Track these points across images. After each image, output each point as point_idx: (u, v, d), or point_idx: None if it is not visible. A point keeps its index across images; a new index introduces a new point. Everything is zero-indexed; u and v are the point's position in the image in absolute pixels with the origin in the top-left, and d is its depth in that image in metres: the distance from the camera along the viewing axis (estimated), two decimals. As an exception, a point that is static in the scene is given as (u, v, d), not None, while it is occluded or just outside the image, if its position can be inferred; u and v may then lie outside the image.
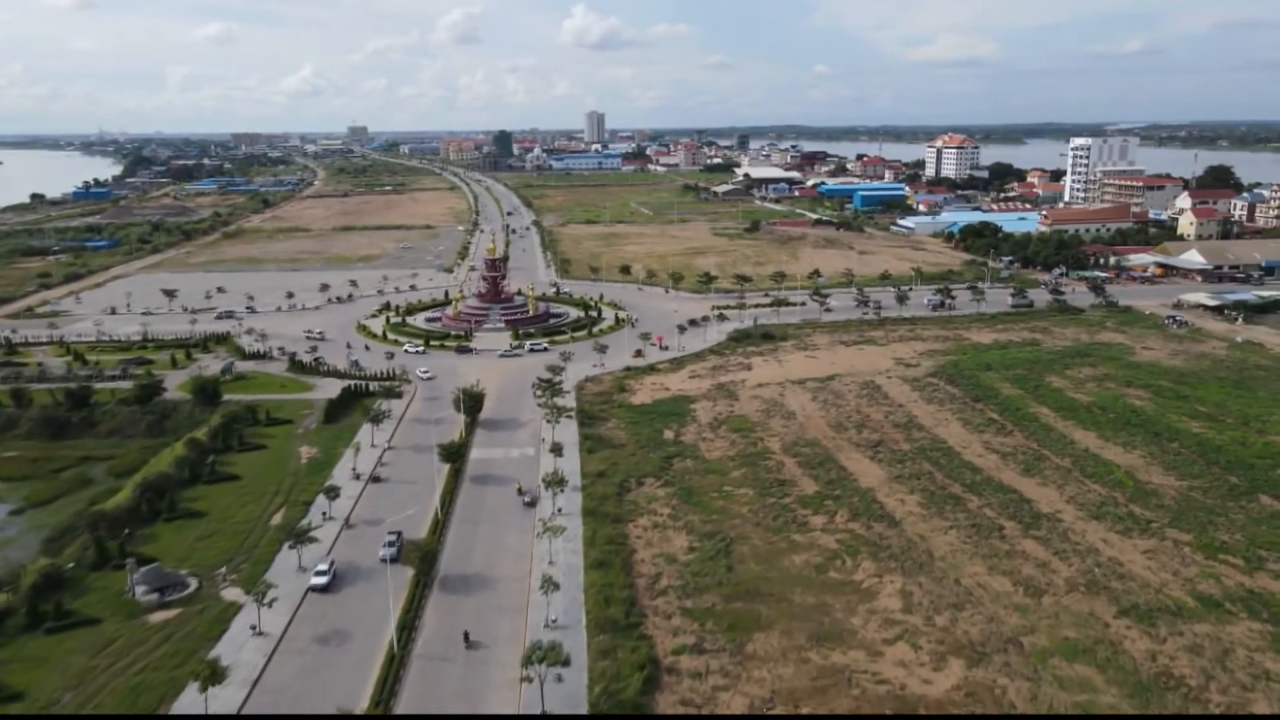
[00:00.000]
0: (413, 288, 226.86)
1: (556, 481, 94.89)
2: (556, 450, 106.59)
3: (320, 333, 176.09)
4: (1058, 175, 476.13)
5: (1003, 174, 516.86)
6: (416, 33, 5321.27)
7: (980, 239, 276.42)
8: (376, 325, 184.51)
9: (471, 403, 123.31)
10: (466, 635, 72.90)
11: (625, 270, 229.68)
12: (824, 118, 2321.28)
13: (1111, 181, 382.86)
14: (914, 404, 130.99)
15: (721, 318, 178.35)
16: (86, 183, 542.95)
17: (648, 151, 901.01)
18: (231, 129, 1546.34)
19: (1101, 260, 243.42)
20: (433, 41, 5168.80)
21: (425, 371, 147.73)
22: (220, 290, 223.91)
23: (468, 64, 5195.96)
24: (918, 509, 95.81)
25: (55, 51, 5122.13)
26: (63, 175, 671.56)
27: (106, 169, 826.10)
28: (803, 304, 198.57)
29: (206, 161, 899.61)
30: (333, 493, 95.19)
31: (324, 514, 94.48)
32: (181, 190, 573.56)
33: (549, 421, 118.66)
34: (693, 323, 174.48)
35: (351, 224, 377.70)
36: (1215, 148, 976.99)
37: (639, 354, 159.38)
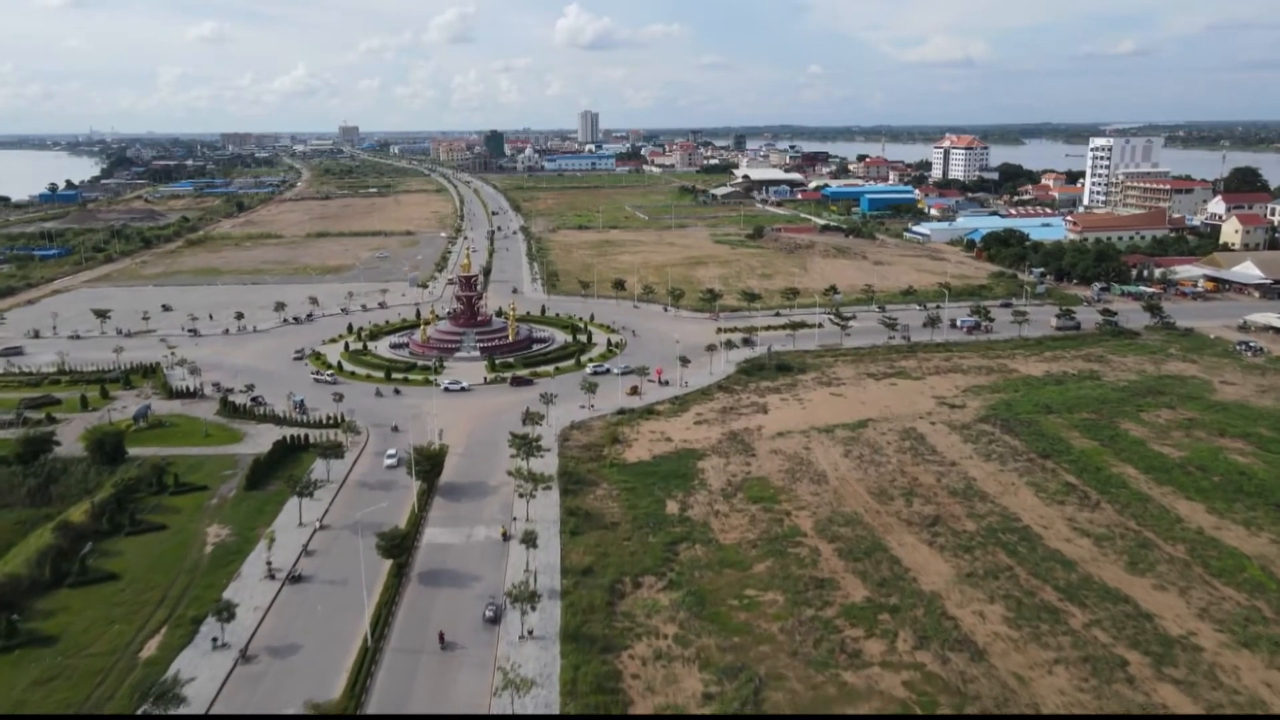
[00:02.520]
0: (382, 305, 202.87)
1: (526, 596, 71.22)
2: (529, 540, 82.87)
3: (331, 375, 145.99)
4: (1073, 177, 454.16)
5: (1013, 175, 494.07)
6: (410, 32, 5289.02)
7: (1007, 248, 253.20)
8: (334, 353, 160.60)
9: (428, 466, 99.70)
10: None
11: (619, 285, 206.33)
12: (818, 118, 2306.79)
13: (1135, 184, 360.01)
14: (968, 461, 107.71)
15: (729, 345, 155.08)
16: (53, 185, 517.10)
17: (643, 152, 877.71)
18: (225, 129, 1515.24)
19: (1145, 273, 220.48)
20: (426, 41, 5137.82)
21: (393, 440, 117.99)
22: (165, 308, 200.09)
23: (461, 64, 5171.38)
24: (1005, 629, 72.46)
25: (47, 51, 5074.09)
26: (42, 176, 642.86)
27: (90, 169, 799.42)
28: (820, 326, 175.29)
29: (190, 162, 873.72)
30: (227, 613, 71.27)
31: (215, 640, 70.78)
32: (155, 192, 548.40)
33: (522, 496, 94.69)
34: (709, 348, 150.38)
35: (327, 230, 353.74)
36: (1216, 148, 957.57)
37: (635, 391, 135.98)
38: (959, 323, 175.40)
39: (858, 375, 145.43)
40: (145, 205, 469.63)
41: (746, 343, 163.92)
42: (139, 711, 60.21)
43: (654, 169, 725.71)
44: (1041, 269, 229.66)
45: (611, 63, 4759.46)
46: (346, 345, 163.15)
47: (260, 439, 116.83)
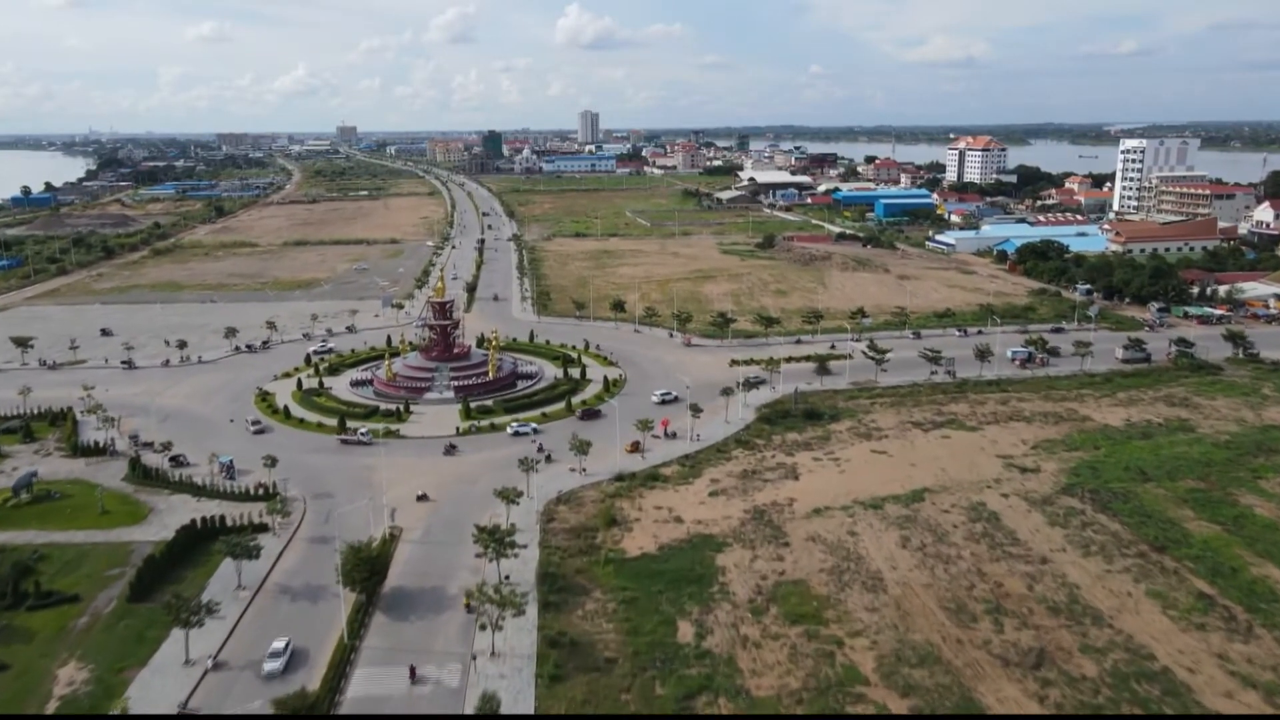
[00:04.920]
0: (350, 329, 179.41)
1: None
2: (489, 706, 59.46)
3: (367, 433, 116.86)
4: (1098, 180, 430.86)
5: (1032, 178, 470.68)
6: (410, 32, 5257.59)
7: (1045, 261, 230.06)
8: (285, 391, 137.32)
9: (366, 572, 76.31)
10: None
11: (618, 306, 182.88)
12: (819, 118, 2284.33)
13: (1171, 189, 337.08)
14: (1062, 556, 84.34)
15: (748, 384, 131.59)
16: (26, 188, 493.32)
17: (644, 153, 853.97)
18: (226, 129, 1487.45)
19: (1208, 290, 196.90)
20: (426, 41, 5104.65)
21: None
22: (104, 333, 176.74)
23: (461, 64, 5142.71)
24: None
25: (47, 50, 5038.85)
26: (28, 178, 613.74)
27: (82, 170, 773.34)
28: (848, 357, 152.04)
29: (181, 163, 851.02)
30: None
31: None
32: (136, 195, 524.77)
33: (483, 626, 71.02)
34: (724, 391, 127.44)
35: (307, 237, 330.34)
36: (1227, 149, 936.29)
37: (636, 447, 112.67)
38: (1010, 354, 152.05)
39: (901, 424, 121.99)
40: (121, 209, 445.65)
41: (822, 371, 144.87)
42: None
43: (655, 171, 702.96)
44: (1088, 286, 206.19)
45: (612, 63, 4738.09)
46: (299, 382, 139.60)
47: (169, 517, 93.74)
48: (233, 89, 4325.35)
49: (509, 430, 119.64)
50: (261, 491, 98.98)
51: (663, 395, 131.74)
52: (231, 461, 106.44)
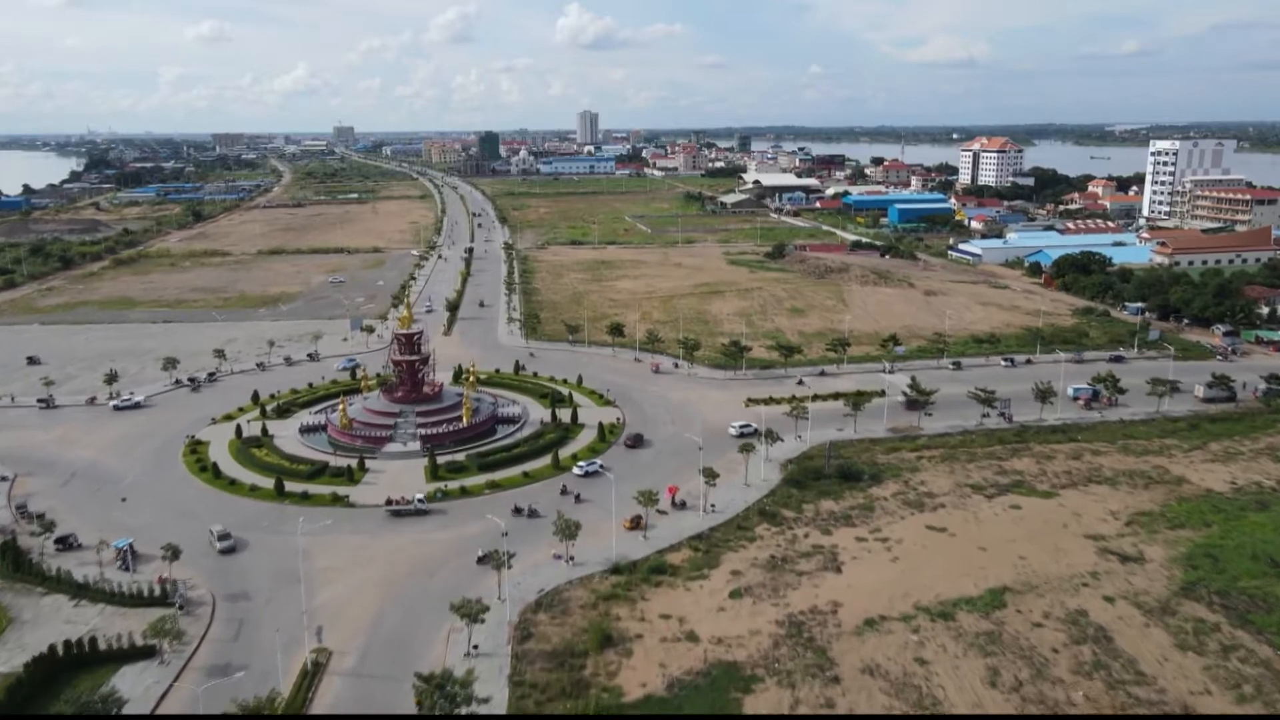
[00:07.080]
0: (310, 357, 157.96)
1: None
2: None
3: (419, 500, 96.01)
4: (1124, 184, 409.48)
5: (1051, 181, 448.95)
6: (410, 32, 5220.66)
7: (1086, 275, 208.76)
8: (222, 439, 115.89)
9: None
10: None
11: (616, 330, 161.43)
12: (819, 118, 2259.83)
13: (1206, 193, 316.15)
14: (1208, 702, 63.03)
15: (770, 435, 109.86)
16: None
17: (644, 154, 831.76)
18: (226, 129, 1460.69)
19: (1279, 310, 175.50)
20: (426, 41, 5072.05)
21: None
22: (31, 361, 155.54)
23: (461, 64, 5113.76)
24: None
25: (47, 50, 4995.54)
26: (13, 178, 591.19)
27: (71, 170, 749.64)
28: (881, 394, 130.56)
29: (171, 164, 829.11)
30: None
31: None
32: (114, 199, 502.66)
33: None
34: (743, 448, 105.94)
35: (284, 245, 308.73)
36: (1237, 149, 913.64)
37: (637, 523, 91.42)
38: (1072, 392, 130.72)
39: (957, 488, 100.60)
40: (95, 214, 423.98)
41: (913, 405, 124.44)
42: None
43: (656, 173, 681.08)
44: (1140, 305, 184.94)
45: (612, 63, 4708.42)
46: (239, 429, 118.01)
47: (33, 632, 72.52)
48: (233, 89, 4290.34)
49: (575, 470, 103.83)
50: (161, 591, 77.60)
51: (741, 428, 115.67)
52: (131, 546, 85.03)
